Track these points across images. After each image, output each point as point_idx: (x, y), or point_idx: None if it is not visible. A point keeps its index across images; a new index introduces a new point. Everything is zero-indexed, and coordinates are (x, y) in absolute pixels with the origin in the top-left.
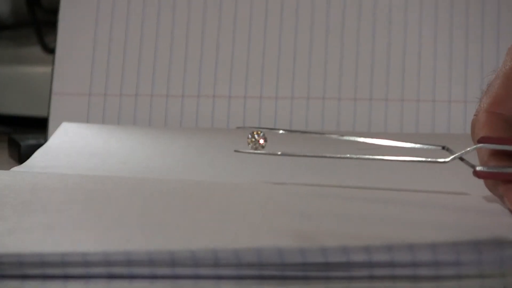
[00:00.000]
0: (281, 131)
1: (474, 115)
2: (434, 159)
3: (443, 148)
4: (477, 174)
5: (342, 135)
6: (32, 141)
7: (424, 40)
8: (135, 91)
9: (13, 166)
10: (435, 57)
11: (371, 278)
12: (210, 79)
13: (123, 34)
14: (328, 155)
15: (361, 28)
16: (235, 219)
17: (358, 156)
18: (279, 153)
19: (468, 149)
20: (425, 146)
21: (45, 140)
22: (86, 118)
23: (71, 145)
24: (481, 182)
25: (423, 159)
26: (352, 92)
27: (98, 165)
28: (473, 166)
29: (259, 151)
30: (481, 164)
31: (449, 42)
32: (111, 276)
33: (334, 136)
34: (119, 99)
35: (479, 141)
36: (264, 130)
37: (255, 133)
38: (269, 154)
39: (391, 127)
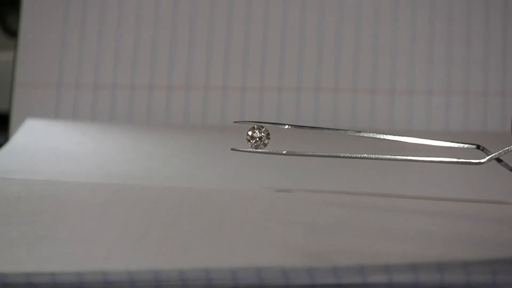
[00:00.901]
0: (286, 126)
1: None
2: (467, 160)
3: (478, 147)
4: None
5: (359, 132)
6: None
7: (456, 26)
8: (113, 81)
9: None
10: (469, 43)
11: None
12: (202, 67)
13: (98, 14)
14: (342, 155)
15: (381, 8)
16: (232, 233)
17: (377, 156)
18: (284, 152)
19: (507, 148)
20: (457, 145)
21: (6, 139)
22: (54, 113)
23: (37, 145)
24: None
25: (454, 159)
26: (370, 82)
27: (70, 169)
28: None
29: (260, 150)
30: None
31: (485, 28)
32: None
33: (349, 133)
34: (94, 91)
35: None
36: (266, 125)
37: (255, 128)
38: (273, 153)
39: (417, 123)
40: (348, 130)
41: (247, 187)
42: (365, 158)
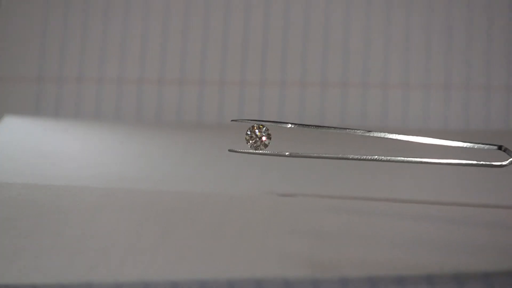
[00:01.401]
0: (289, 125)
1: None
2: (488, 163)
3: (500, 148)
4: None
5: (369, 131)
6: None
7: (475, 15)
8: (99, 75)
9: None
10: (490, 34)
11: None
12: (196, 59)
13: (83, 2)
14: (350, 156)
15: None
16: (229, 241)
17: (389, 158)
18: (287, 153)
19: None
20: (476, 146)
21: None
22: (35, 109)
23: (16, 144)
24: None
25: (474, 162)
26: (381, 76)
27: (52, 171)
28: None
29: (260, 151)
30: None
31: (507, 18)
32: None
33: (358, 132)
34: (78, 86)
35: None
36: (267, 123)
37: (255, 127)
38: (274, 155)
39: (433, 121)
40: (357, 130)
41: (246, 191)
42: (375, 160)
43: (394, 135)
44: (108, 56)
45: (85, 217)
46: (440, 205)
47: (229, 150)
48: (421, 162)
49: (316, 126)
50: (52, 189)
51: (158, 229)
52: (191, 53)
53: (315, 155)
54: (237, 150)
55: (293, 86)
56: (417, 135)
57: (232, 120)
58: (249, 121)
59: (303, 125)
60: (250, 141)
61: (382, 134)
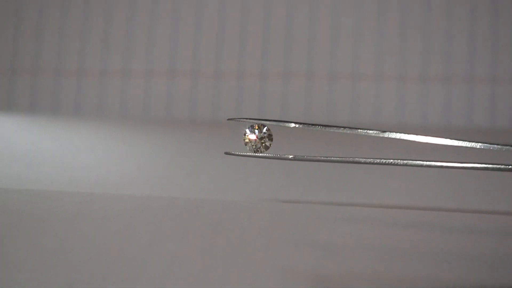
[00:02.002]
0: (293, 125)
1: None
2: None
3: None
4: None
5: (384, 132)
6: None
7: (501, 5)
8: (79, 66)
9: None
10: None
11: None
12: (189, 48)
13: None
14: (362, 160)
15: None
16: (226, 253)
17: (405, 161)
18: (291, 157)
19: None
20: (504, 148)
21: None
22: (7, 104)
23: None
24: None
25: (499, 165)
26: (397, 68)
27: (26, 174)
28: None
29: (261, 154)
30: None
31: None
32: None
33: (371, 133)
34: (56, 78)
35: None
36: (268, 123)
37: (255, 127)
38: (276, 158)
39: (454, 119)
40: (370, 130)
41: (245, 197)
42: (390, 164)
43: (411, 135)
44: (89, 46)
45: (64, 226)
46: (461, 213)
47: (225, 153)
48: (441, 167)
49: (323, 125)
50: (27, 194)
51: (145, 239)
52: (183, 41)
53: (322, 158)
54: (234, 152)
55: (297, 78)
56: (437, 133)
57: (228, 119)
58: (247, 120)
59: (309, 124)
60: (249, 143)
61: (397, 135)
